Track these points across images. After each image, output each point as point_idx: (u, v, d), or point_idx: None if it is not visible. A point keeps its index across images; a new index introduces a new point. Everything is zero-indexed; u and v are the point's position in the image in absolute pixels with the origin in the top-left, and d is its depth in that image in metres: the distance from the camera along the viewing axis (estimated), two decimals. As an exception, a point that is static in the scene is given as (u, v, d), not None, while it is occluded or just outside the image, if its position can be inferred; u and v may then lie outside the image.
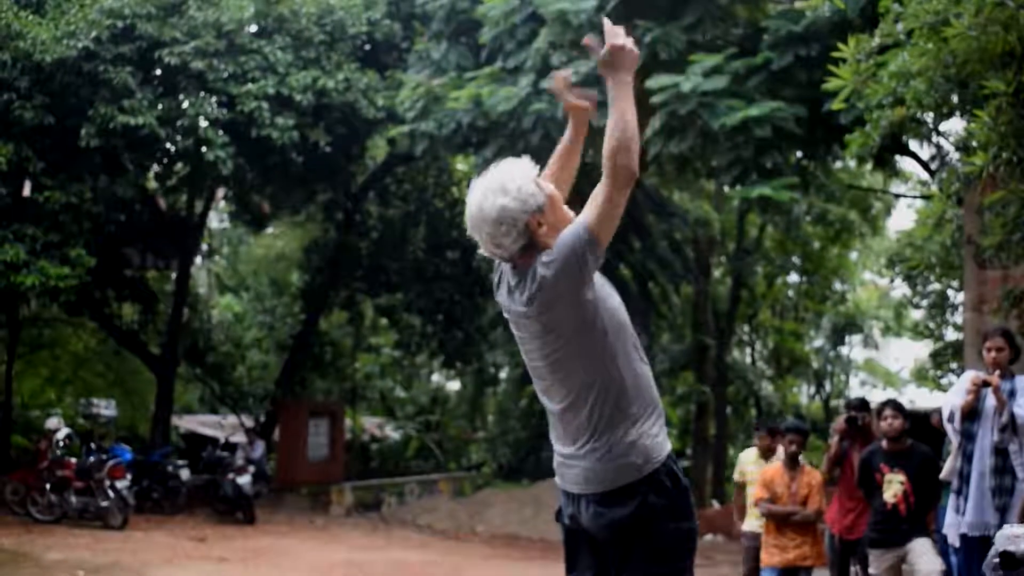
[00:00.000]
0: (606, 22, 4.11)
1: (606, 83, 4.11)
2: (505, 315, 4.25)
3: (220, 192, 28.57)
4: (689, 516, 4.07)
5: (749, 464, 10.98)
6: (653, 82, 17.53)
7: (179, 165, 25.19)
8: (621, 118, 3.98)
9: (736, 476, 11.33)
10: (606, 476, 3.98)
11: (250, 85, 21.74)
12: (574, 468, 4.09)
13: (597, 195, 3.95)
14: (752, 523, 10.69)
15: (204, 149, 22.03)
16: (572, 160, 4.55)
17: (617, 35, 4.07)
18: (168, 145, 22.72)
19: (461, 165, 30.32)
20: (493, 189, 4.06)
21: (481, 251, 4.17)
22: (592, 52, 4.16)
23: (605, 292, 4.07)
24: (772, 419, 13.42)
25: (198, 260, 32.20)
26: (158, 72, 22.43)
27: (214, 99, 22.20)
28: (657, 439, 4.01)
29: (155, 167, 25.09)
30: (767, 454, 10.85)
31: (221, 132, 21.62)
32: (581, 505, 4.11)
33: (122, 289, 26.95)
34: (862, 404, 10.82)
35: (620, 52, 4.07)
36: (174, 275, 28.77)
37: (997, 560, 5.84)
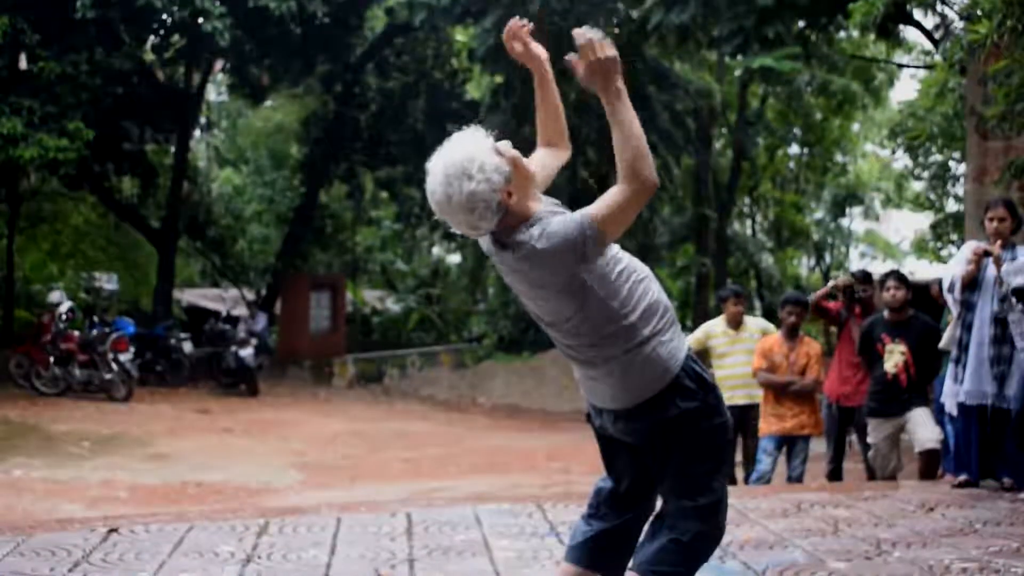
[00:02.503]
0: (577, 34, 3.90)
1: (603, 100, 3.93)
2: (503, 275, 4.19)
3: (218, 64, 28.33)
4: (719, 412, 4.08)
5: (717, 336, 10.80)
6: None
7: (176, 37, 24.96)
8: (628, 128, 3.81)
9: (691, 342, 10.71)
10: (629, 393, 3.97)
11: (247, -46, 21.47)
12: (597, 385, 4.10)
13: (613, 195, 3.82)
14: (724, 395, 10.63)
15: (201, 20, 21.79)
16: (552, 110, 4.38)
17: (592, 50, 3.87)
18: (165, 16, 22.50)
19: (460, 36, 30.02)
20: (456, 175, 3.87)
21: (455, 229, 4.07)
22: (573, 70, 3.99)
23: (601, 259, 3.94)
24: (741, 286, 13.32)
25: (197, 133, 32.06)
26: (154, -59, 22.14)
27: (210, -32, 21.92)
28: (672, 344, 3.98)
29: (152, 39, 24.84)
30: (735, 324, 10.78)
31: (218, 3, 21.37)
32: (607, 418, 4.14)
33: (121, 162, 26.85)
34: (865, 277, 10.81)
35: (599, 67, 3.91)
36: (173, 148, 28.64)
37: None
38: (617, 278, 3.96)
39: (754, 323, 10.88)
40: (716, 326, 10.94)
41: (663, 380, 3.95)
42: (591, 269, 3.89)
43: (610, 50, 3.84)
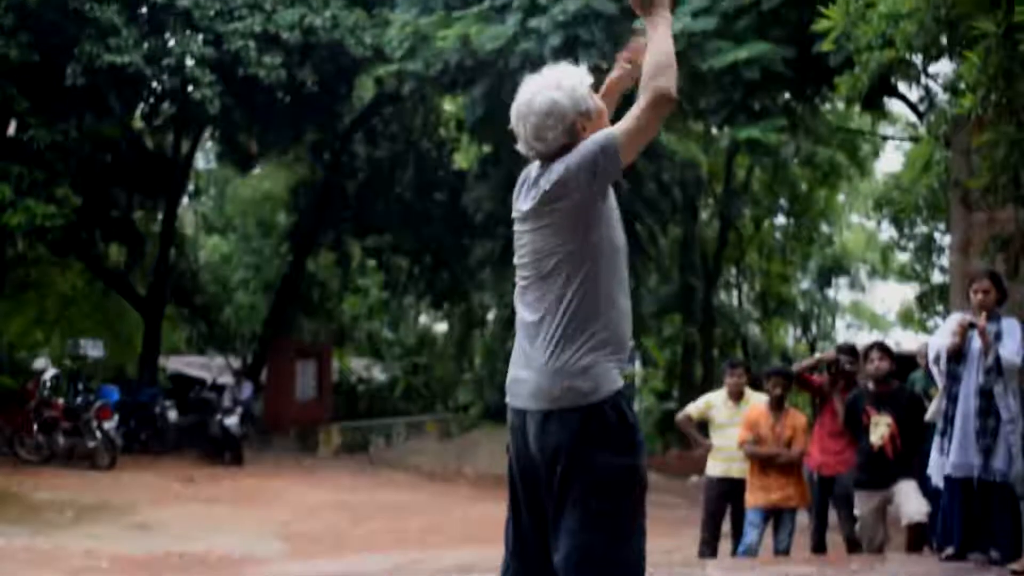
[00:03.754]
0: None
1: (644, 19, 4.19)
2: (514, 226, 4.23)
3: (207, 132, 28.42)
4: (631, 452, 3.98)
5: (718, 407, 10.77)
6: (641, 22, 17.38)
7: (165, 104, 25.03)
8: (660, 44, 4.10)
9: (692, 410, 10.99)
10: (552, 394, 3.96)
11: (237, 23, 21.60)
12: (526, 384, 4.08)
13: (631, 112, 4.00)
14: (716, 466, 10.65)
15: (190, 88, 21.91)
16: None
17: None
18: (154, 84, 22.63)
19: (448, 105, 30.17)
20: (548, 85, 4.12)
21: (518, 146, 4.19)
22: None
23: (613, 218, 4.09)
24: (748, 360, 13.34)
25: (185, 201, 32.11)
26: (144, 10, 22.31)
27: (200, 37, 22.05)
28: (611, 373, 3.97)
29: (141, 106, 24.94)
30: (736, 396, 10.77)
31: (207, 71, 21.48)
32: (527, 423, 4.08)
33: (109, 229, 26.87)
34: (851, 350, 10.80)
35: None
36: (160, 216, 28.66)
37: None
38: (615, 258, 4.10)
39: (756, 397, 10.83)
40: (717, 397, 10.94)
41: (586, 398, 3.93)
42: (610, 221, 4.07)
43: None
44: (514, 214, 4.23)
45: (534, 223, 4.09)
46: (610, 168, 3.95)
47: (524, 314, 4.15)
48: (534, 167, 4.21)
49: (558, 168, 4.01)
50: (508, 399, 4.21)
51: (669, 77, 3.99)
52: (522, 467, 4.14)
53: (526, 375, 4.09)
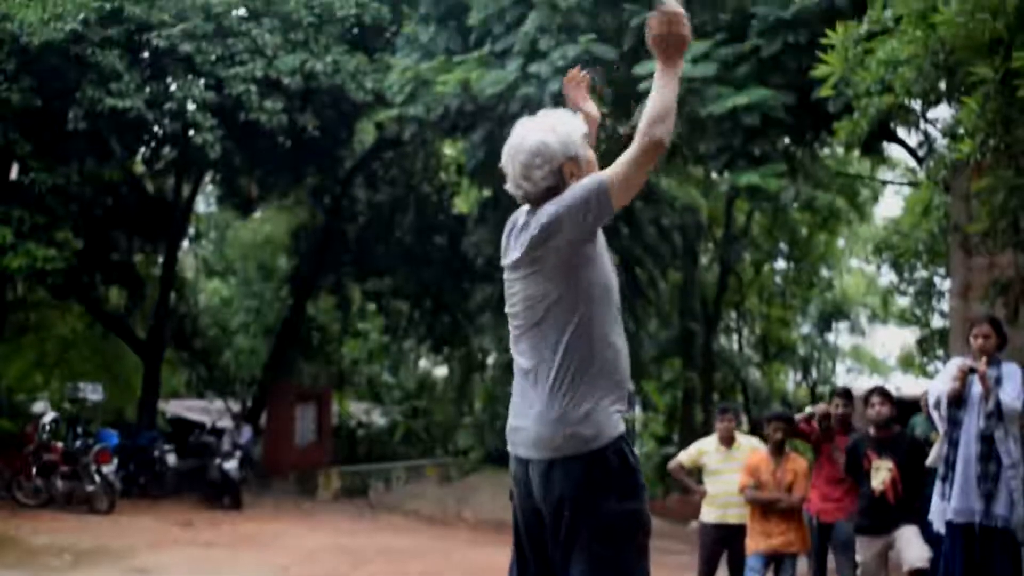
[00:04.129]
0: (666, 3, 4.09)
1: (656, 59, 4.14)
2: (504, 275, 4.24)
3: (207, 176, 28.48)
4: (634, 497, 4.01)
5: (710, 453, 10.75)
6: (641, 68, 17.45)
7: (166, 149, 25.13)
8: (665, 90, 4.05)
9: (684, 458, 10.97)
10: (553, 443, 3.96)
11: (238, 68, 21.67)
12: (525, 432, 4.09)
13: (624, 157, 4.02)
14: (710, 512, 10.62)
15: (192, 132, 21.98)
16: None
17: (670, 22, 4.08)
18: (155, 128, 22.72)
19: (449, 150, 30.26)
20: (541, 127, 4.21)
21: (507, 186, 4.21)
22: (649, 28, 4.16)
23: (603, 259, 4.10)
24: (748, 405, 13.33)
25: (185, 244, 32.15)
26: (146, 55, 22.37)
27: (202, 82, 22.12)
28: (612, 418, 3.98)
29: (142, 150, 25.02)
30: (727, 441, 10.73)
31: (209, 115, 21.54)
32: (529, 472, 4.09)
33: (109, 273, 26.88)
34: (845, 394, 10.81)
35: (671, 40, 4.07)
36: (161, 259, 28.70)
37: None
38: (608, 299, 4.09)
39: (746, 441, 10.82)
40: (709, 443, 10.90)
41: (588, 444, 3.94)
42: (599, 263, 4.06)
43: (685, 29, 4.09)
44: (503, 262, 4.23)
45: (525, 269, 4.09)
46: (602, 211, 3.97)
47: (520, 361, 4.15)
48: (521, 214, 4.22)
49: (548, 210, 4.03)
50: (509, 447, 4.21)
51: (666, 126, 3.98)
52: (526, 517, 4.14)
53: (525, 424, 4.09)
